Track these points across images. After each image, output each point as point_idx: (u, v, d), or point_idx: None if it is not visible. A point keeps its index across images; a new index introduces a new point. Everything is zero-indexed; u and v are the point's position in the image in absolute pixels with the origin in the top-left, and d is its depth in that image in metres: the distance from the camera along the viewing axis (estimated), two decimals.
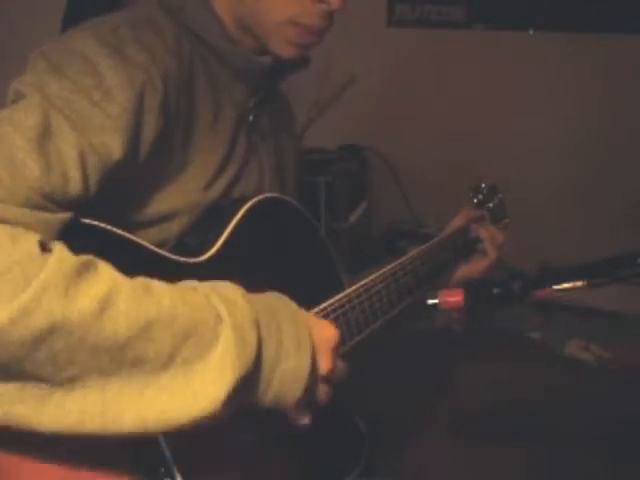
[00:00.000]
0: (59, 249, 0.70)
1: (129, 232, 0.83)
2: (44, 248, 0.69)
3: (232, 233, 0.95)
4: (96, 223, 0.79)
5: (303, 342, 0.83)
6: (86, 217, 0.79)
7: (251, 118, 1.07)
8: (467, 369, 2.03)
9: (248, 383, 0.77)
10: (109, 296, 0.69)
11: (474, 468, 1.66)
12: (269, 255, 1.01)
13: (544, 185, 2.61)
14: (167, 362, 0.72)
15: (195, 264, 0.90)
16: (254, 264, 0.97)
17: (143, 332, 0.70)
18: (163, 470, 0.79)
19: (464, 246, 1.34)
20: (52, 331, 0.66)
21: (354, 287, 1.05)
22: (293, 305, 0.87)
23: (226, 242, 0.94)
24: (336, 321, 1.00)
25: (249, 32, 1.01)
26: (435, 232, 1.35)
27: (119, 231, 0.81)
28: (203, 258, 0.91)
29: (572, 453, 1.68)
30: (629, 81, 2.50)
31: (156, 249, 0.86)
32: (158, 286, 0.75)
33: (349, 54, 2.42)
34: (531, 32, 2.60)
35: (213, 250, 0.92)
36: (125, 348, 0.69)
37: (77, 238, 0.75)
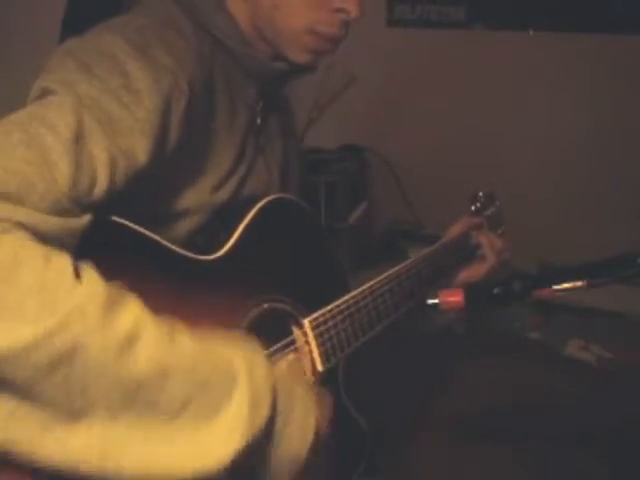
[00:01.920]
0: (90, 275, 0.69)
1: (144, 228, 0.83)
2: (76, 272, 0.68)
3: (244, 233, 0.95)
4: (114, 218, 0.80)
5: (308, 430, 0.83)
6: (104, 213, 0.79)
7: (259, 121, 1.08)
8: (467, 369, 2.03)
9: (254, 451, 0.76)
10: (135, 334, 0.69)
11: (474, 468, 1.66)
12: (278, 255, 1.01)
13: (544, 185, 2.61)
14: (178, 413, 0.71)
15: (208, 262, 0.90)
16: (264, 264, 0.98)
17: (160, 377, 0.69)
18: None
19: (465, 252, 1.36)
20: (72, 358, 0.65)
21: (360, 289, 1.06)
22: (308, 389, 0.87)
23: (238, 242, 0.94)
24: (343, 322, 1.01)
25: (263, 37, 1.01)
26: (435, 232, 1.36)
27: (136, 227, 0.82)
28: (216, 256, 0.92)
29: (572, 453, 1.68)
30: (629, 81, 2.50)
31: (171, 245, 0.87)
32: (182, 335, 0.74)
33: (349, 54, 2.41)
34: (531, 32, 2.60)
35: (225, 249, 0.93)
36: (139, 389, 0.68)
37: (95, 233, 0.75)
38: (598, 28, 2.52)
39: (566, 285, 0.95)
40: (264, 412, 0.76)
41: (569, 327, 2.32)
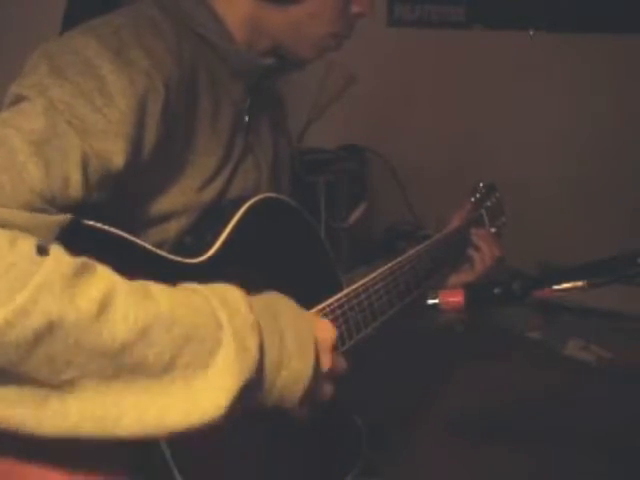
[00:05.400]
0: (56, 251, 0.69)
1: (129, 233, 0.83)
2: (41, 251, 0.68)
3: (231, 233, 0.95)
4: (95, 224, 0.79)
5: (305, 344, 0.83)
6: (86, 218, 0.78)
7: (247, 118, 1.07)
8: (467, 369, 2.03)
9: (250, 389, 0.76)
10: (107, 298, 0.68)
11: (474, 468, 1.66)
12: (268, 255, 1.01)
13: (544, 185, 2.61)
14: (167, 367, 0.71)
15: (194, 265, 0.90)
16: (253, 264, 0.97)
17: (142, 336, 0.69)
18: (163, 470, 0.79)
19: (462, 246, 1.35)
20: (49, 332, 0.65)
21: (353, 287, 1.05)
22: (294, 305, 0.87)
23: (225, 243, 0.94)
24: (335, 321, 1.00)
25: (268, 37, 1.02)
26: (434, 233, 1.35)
27: (119, 232, 0.81)
28: (203, 258, 0.91)
29: (572, 453, 1.68)
30: (629, 81, 2.50)
31: (156, 250, 0.86)
32: (157, 289, 0.74)
33: (349, 54, 2.41)
34: (531, 32, 2.60)
35: (212, 251, 0.92)
36: (124, 352, 0.69)
37: (77, 239, 0.74)
38: (598, 28, 2.52)
39: (566, 285, 0.95)
40: (252, 346, 0.76)
41: (569, 327, 2.32)
